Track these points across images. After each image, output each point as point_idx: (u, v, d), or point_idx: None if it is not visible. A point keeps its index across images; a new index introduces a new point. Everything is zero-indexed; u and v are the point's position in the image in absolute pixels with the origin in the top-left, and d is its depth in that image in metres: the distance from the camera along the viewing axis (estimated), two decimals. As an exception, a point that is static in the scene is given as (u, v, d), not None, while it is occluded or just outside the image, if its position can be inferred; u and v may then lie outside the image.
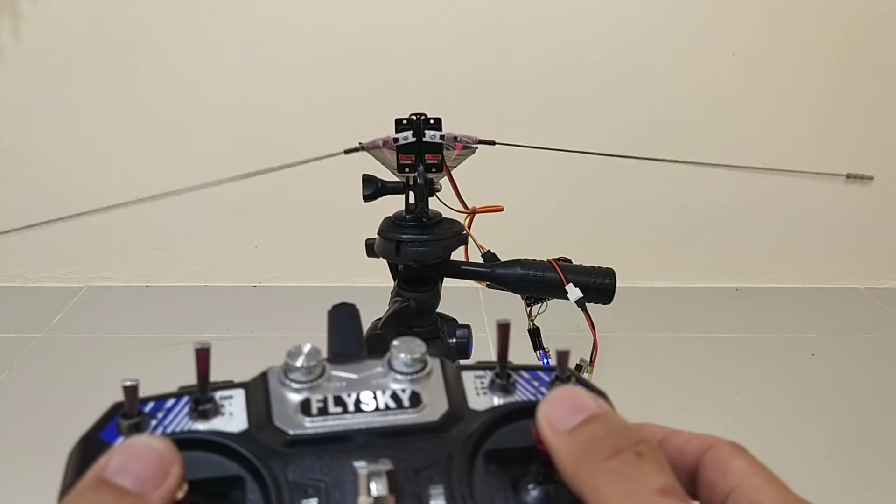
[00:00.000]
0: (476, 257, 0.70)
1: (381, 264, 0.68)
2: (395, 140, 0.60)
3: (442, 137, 0.60)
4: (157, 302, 1.73)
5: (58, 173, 1.72)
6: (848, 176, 0.55)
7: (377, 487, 0.21)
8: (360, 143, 0.70)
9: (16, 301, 1.73)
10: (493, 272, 0.67)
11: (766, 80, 1.71)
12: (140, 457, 0.20)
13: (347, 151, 0.60)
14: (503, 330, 0.25)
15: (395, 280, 0.68)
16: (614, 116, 1.72)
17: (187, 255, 1.80)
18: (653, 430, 0.26)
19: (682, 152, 1.76)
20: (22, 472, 1.19)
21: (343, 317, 0.31)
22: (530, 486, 0.23)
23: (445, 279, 0.69)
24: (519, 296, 0.70)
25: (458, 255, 0.68)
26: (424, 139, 0.60)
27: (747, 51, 1.69)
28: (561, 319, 0.69)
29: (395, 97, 1.64)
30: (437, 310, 0.69)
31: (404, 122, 0.61)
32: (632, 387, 1.42)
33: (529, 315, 0.72)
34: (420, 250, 0.63)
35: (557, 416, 0.22)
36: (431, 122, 0.61)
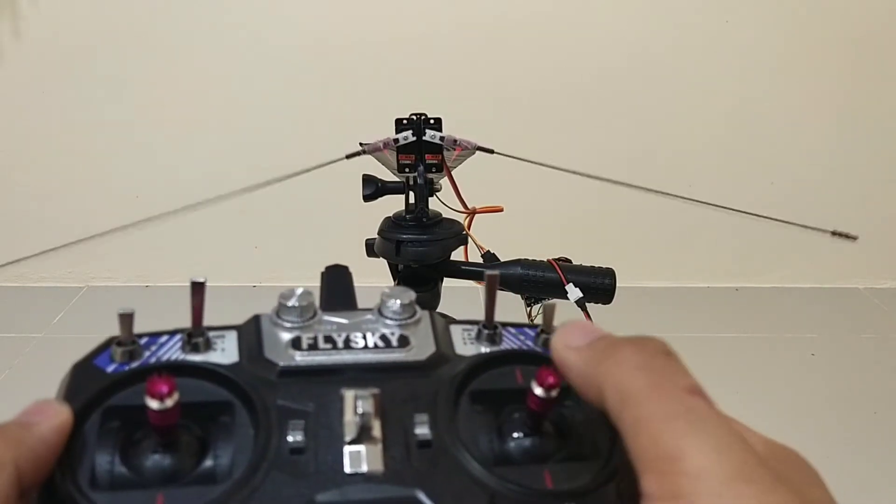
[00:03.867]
0: (476, 257, 0.70)
1: (381, 264, 0.68)
2: (396, 140, 0.60)
3: (442, 139, 0.60)
4: (157, 302, 1.73)
5: (58, 173, 1.72)
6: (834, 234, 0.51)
7: (363, 406, 0.22)
8: (360, 145, 0.70)
9: (16, 301, 1.73)
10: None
11: (769, 79, 1.71)
12: (35, 406, 0.22)
13: (349, 156, 0.60)
14: (491, 282, 0.26)
15: (395, 280, 0.68)
16: (613, 121, 1.72)
17: (187, 255, 1.80)
18: None
19: (683, 152, 1.76)
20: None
21: (336, 277, 0.32)
22: (515, 435, 0.23)
23: (445, 279, 0.69)
24: (519, 296, 0.70)
25: (457, 255, 0.68)
26: (424, 138, 0.60)
27: (746, 42, 1.69)
28: (561, 319, 0.69)
29: (396, 100, 1.64)
30: (437, 310, 0.69)
31: (404, 122, 0.61)
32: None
33: (529, 315, 0.72)
34: (420, 250, 0.63)
35: (572, 336, 0.22)
36: (431, 122, 0.61)
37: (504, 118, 1.69)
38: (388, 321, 0.26)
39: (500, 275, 0.66)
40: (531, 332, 0.27)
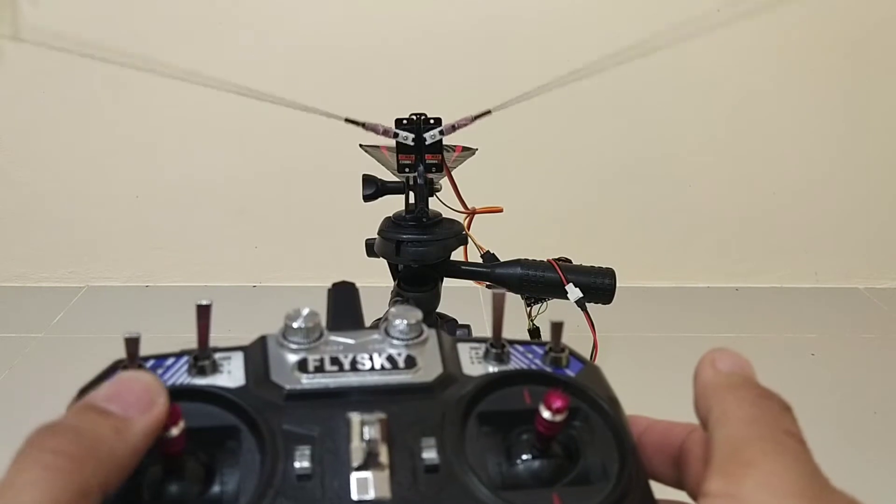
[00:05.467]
0: (476, 257, 0.70)
1: (381, 264, 0.68)
2: (396, 135, 0.60)
3: (441, 132, 0.60)
4: (157, 302, 1.73)
5: (58, 173, 1.72)
6: None
7: (370, 432, 0.22)
8: (361, 146, 0.70)
9: (16, 301, 1.73)
10: (493, 272, 0.67)
11: (770, 78, 1.71)
12: (127, 387, 0.21)
13: (348, 120, 0.60)
14: (498, 300, 0.26)
15: (395, 280, 0.68)
16: (613, 121, 1.72)
17: (187, 255, 1.80)
18: (637, 421, 0.26)
19: (682, 149, 1.76)
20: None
21: (343, 294, 0.31)
22: (523, 457, 0.23)
23: (445, 279, 0.69)
24: (519, 296, 0.70)
25: (457, 255, 0.68)
26: (424, 137, 0.60)
27: (744, 35, 1.69)
28: (567, 326, 0.69)
29: (396, 100, 1.64)
30: (437, 310, 0.69)
31: (404, 122, 0.61)
32: (632, 387, 1.41)
33: (529, 315, 0.72)
34: (420, 250, 0.63)
35: (723, 360, 0.23)
36: (431, 121, 0.61)
37: (504, 117, 1.68)
38: (395, 341, 0.26)
39: (500, 274, 0.67)
40: (539, 351, 0.27)
